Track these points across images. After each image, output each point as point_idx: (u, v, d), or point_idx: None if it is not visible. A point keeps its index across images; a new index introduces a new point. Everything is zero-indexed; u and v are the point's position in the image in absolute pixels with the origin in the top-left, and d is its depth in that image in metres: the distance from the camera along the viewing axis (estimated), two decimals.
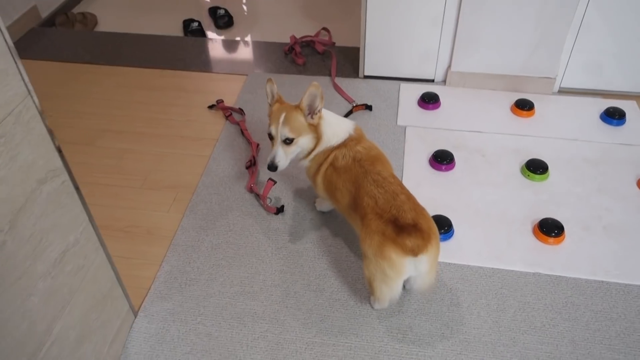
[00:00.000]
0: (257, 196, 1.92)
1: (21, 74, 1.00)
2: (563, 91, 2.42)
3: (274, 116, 1.56)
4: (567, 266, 1.68)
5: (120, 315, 1.47)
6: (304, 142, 1.57)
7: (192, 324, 1.55)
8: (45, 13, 3.14)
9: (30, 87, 1.03)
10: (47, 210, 1.10)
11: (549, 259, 1.71)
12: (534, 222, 1.81)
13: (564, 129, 2.21)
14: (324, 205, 1.85)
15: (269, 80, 1.59)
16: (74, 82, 2.56)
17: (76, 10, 3.31)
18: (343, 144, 1.59)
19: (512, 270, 1.67)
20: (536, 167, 1.98)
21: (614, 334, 1.50)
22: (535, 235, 1.77)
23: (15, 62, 0.98)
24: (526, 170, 1.99)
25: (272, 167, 1.55)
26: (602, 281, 1.64)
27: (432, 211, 1.53)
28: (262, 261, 1.71)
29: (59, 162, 1.12)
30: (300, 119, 1.54)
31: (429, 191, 1.93)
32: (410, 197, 1.43)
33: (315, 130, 1.57)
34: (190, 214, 1.88)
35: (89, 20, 3.14)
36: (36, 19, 3.06)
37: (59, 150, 1.12)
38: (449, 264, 1.69)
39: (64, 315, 1.19)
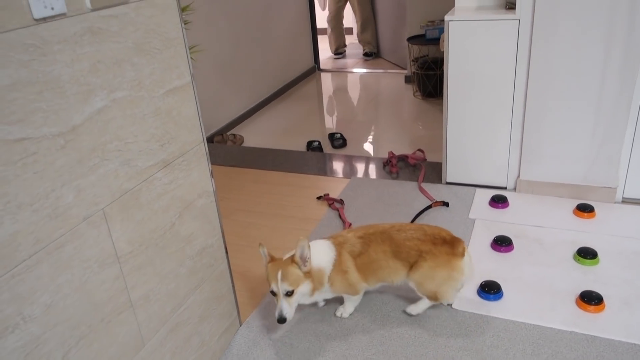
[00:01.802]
0: None
1: (201, 128, 1.71)
2: (627, 201, 2.70)
3: (271, 274, 1.80)
4: (603, 329, 1.90)
5: (230, 318, 1.99)
6: (304, 289, 1.82)
7: (280, 337, 2.01)
8: (207, 133, 4.18)
9: (204, 136, 1.73)
10: (199, 215, 1.73)
11: (587, 322, 1.94)
12: (578, 294, 2.06)
13: (619, 229, 2.47)
14: (349, 305, 2.07)
15: (260, 244, 1.86)
16: (220, 178, 3.39)
17: (229, 132, 4.34)
18: (339, 246, 1.93)
19: (551, 328, 1.93)
20: (587, 253, 2.26)
21: None
22: (577, 304, 2.02)
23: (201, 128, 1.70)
24: (577, 256, 2.27)
25: (281, 319, 1.76)
26: (636, 344, 1.83)
27: (485, 278, 1.99)
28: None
29: (210, 187, 1.78)
30: (295, 272, 1.80)
31: (486, 266, 2.29)
32: (426, 226, 1.95)
33: (310, 274, 1.84)
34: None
35: (237, 139, 4.12)
36: None
37: (211, 174, 1.78)
38: (495, 317, 2.00)
39: (196, 293, 1.75)
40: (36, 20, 1.13)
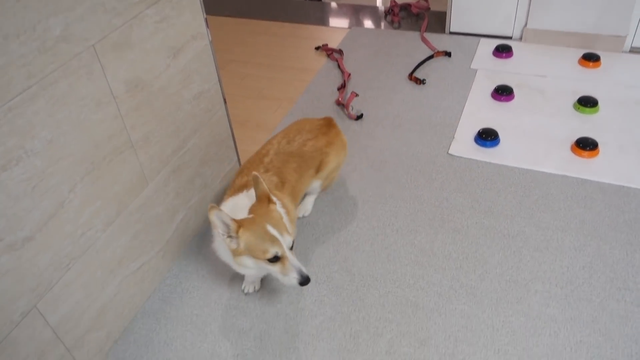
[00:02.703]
0: (343, 106, 2.41)
1: None
2: (635, 51, 2.62)
3: (262, 237, 1.31)
4: (594, 173, 1.95)
5: (230, 163, 2.03)
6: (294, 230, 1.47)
7: None
8: None
9: None
10: (194, 58, 1.68)
11: (579, 167, 1.99)
12: (573, 141, 2.09)
13: (624, 79, 2.43)
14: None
15: (212, 206, 1.28)
16: (215, 29, 3.25)
17: None
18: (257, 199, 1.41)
19: (544, 172, 1.98)
20: (587, 102, 2.24)
21: (621, 220, 1.76)
22: (572, 150, 2.06)
23: None
24: (578, 104, 2.26)
25: (307, 279, 1.33)
26: (624, 186, 1.89)
27: (483, 126, 1.96)
28: None
29: (204, 30, 1.70)
30: (281, 214, 1.40)
31: (485, 115, 2.28)
32: (301, 122, 1.79)
33: (284, 204, 1.48)
34: (289, 116, 2.42)
35: None
36: None
37: (206, 22, 1.70)
38: (490, 163, 2.04)
39: (196, 136, 1.77)
40: None
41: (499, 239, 1.72)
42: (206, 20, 1.70)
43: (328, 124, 1.81)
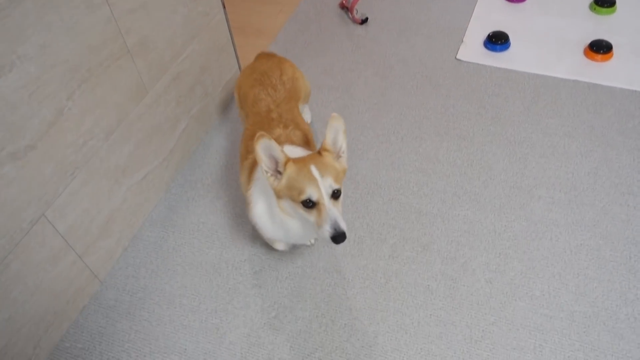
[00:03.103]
0: (347, 10, 2.30)
1: None
2: None
3: (302, 175, 1.18)
4: (606, 77, 1.89)
5: (231, 71, 1.97)
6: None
7: None
8: None
9: None
10: None
11: (591, 71, 1.92)
12: (587, 44, 2.01)
13: None
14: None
15: (262, 135, 1.15)
16: None
17: None
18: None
19: (554, 77, 1.92)
20: (604, 2, 2.13)
21: (631, 126, 1.73)
22: (585, 54, 1.98)
23: None
24: (594, 4, 2.15)
25: (342, 235, 1.14)
26: (636, 90, 1.84)
27: (494, 29, 1.86)
28: (343, 54, 2.12)
29: None
30: (334, 163, 1.23)
31: (496, 17, 2.18)
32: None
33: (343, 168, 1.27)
34: (291, 20, 2.31)
35: None
36: None
37: None
38: (499, 68, 1.98)
39: (194, 42, 1.70)
40: None
41: (504, 146, 1.71)
42: None
43: (273, 56, 1.71)
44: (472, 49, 2.05)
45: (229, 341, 1.34)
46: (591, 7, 2.16)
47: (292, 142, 1.37)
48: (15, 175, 1.18)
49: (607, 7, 2.12)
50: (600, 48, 1.94)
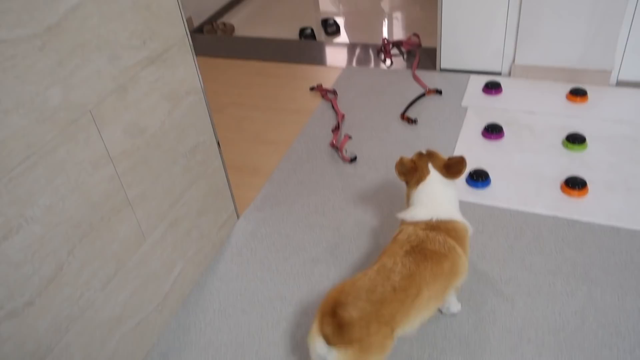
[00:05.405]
0: (337, 149, 2.46)
1: (184, 21, 1.64)
2: (622, 84, 2.67)
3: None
4: (584, 213, 1.98)
5: (227, 212, 2.07)
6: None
7: (276, 228, 2.10)
8: (197, 22, 4.01)
9: (187, 30, 1.67)
10: (188, 113, 1.73)
11: (569, 207, 2.02)
12: (563, 180, 2.12)
13: (612, 114, 2.48)
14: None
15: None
16: (212, 70, 3.32)
17: (219, 20, 4.17)
18: (415, 223, 1.47)
19: (534, 213, 2.01)
20: (575, 139, 2.29)
21: (612, 262, 1.79)
22: (561, 190, 2.09)
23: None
24: (566, 141, 2.30)
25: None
26: (614, 226, 1.92)
27: (474, 166, 1.97)
28: (334, 193, 2.23)
29: (198, 84, 1.76)
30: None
31: (475, 154, 2.32)
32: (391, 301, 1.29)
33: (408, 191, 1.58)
34: (285, 159, 2.46)
35: (228, 28, 3.96)
36: (191, 26, 3.94)
37: (198, 72, 1.75)
38: (481, 205, 2.07)
39: (192, 188, 1.80)
40: None
41: (491, 285, 1.75)
42: (198, 69, 1.75)
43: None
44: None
45: None
46: (564, 144, 2.32)
47: None
48: (12, 332, 1.20)
49: (578, 143, 2.28)
50: (575, 184, 2.06)
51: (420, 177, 1.51)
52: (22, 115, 1.17)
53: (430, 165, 1.52)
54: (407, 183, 1.56)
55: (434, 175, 1.51)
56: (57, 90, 1.24)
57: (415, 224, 1.45)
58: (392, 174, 2.27)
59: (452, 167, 1.51)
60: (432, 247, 1.38)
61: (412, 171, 1.53)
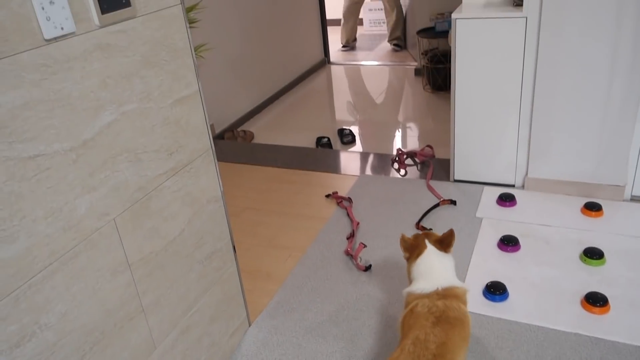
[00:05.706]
0: (351, 257, 2.46)
1: (211, 142, 1.74)
2: (636, 199, 2.69)
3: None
4: (607, 332, 1.92)
5: (240, 319, 2.04)
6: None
7: (288, 337, 2.05)
8: (218, 129, 4.22)
9: (212, 142, 1.76)
10: (208, 220, 1.77)
11: (591, 325, 1.95)
12: (583, 295, 2.08)
13: (628, 229, 2.47)
14: None
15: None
16: (231, 175, 3.43)
17: (240, 128, 4.37)
18: (426, 295, 1.60)
19: (556, 329, 1.95)
20: (593, 254, 2.27)
21: None
22: (582, 306, 2.04)
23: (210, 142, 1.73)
24: (584, 256, 2.28)
25: None
26: (639, 346, 1.84)
27: (491, 278, 1.98)
28: (348, 302, 2.20)
29: (219, 192, 1.82)
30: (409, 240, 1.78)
31: (492, 266, 2.31)
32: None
33: (408, 267, 1.76)
34: (299, 265, 2.46)
35: (248, 135, 4.15)
36: (212, 133, 4.13)
37: (219, 180, 1.82)
38: (500, 319, 2.02)
39: (205, 295, 1.80)
40: (47, 40, 1.16)
41: None
42: (219, 176, 1.82)
43: None
44: (472, 299, 2.11)
45: None
46: (581, 258, 2.30)
47: None
48: None
49: (597, 259, 2.25)
50: (596, 301, 2.01)
51: (419, 252, 1.71)
52: (50, 223, 1.21)
53: (426, 241, 1.74)
54: (408, 259, 1.76)
55: (430, 249, 1.72)
56: (85, 200, 1.30)
57: (427, 295, 1.59)
58: (405, 284, 2.25)
59: (444, 240, 1.73)
60: (453, 314, 1.52)
61: (412, 247, 1.76)
